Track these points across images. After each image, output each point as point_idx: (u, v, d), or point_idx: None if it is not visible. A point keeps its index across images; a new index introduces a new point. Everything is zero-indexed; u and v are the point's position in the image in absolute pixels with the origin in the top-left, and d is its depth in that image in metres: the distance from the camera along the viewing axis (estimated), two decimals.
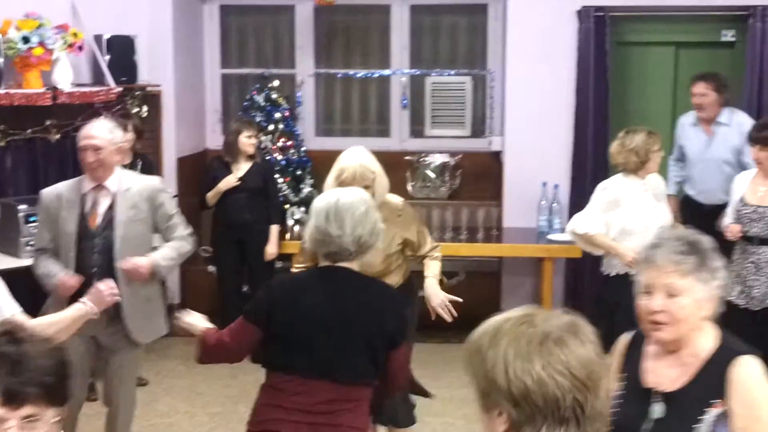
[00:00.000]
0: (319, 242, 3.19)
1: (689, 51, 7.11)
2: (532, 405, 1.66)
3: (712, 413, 2.38)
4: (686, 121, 6.41)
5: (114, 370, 4.45)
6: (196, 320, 3.42)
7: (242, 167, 6.51)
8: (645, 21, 7.06)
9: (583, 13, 6.85)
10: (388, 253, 4.30)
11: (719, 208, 5.87)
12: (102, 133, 4.21)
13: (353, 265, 3.20)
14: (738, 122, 6.17)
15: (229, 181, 6.45)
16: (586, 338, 1.73)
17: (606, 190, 5.07)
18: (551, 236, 6.71)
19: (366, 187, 4.12)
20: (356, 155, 4.30)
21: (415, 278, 4.59)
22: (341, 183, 4.12)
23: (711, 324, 2.50)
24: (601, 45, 6.85)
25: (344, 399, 3.12)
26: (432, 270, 4.44)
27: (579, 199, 6.88)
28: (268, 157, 7.19)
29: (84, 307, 3.38)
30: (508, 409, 1.67)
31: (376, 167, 4.30)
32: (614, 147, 5.11)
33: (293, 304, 3.15)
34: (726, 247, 5.16)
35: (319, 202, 3.24)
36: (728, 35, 7.01)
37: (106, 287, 3.45)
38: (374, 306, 3.17)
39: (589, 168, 6.91)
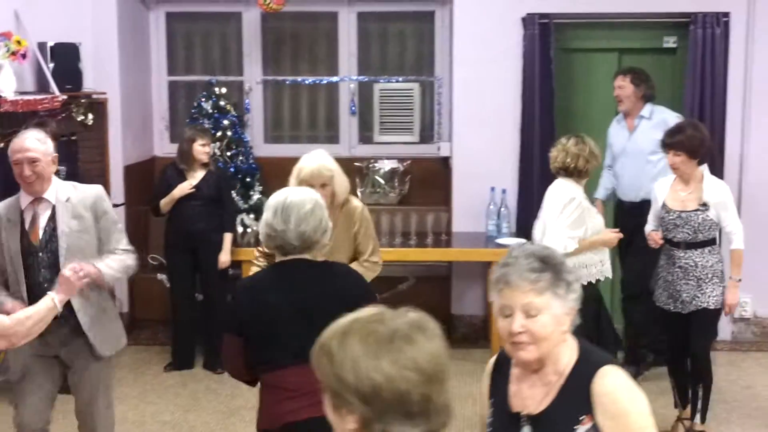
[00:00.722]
0: (267, 236, 3.36)
1: (632, 57, 7.22)
2: (382, 401, 1.70)
3: (581, 430, 2.35)
4: (614, 120, 6.61)
5: (83, 388, 4.27)
6: None
7: (197, 175, 6.48)
8: (589, 28, 7.16)
9: (528, 20, 6.93)
10: (347, 253, 4.50)
11: (640, 205, 6.02)
12: (35, 144, 4.02)
13: (311, 256, 3.36)
14: (661, 118, 6.26)
15: (184, 188, 6.42)
16: (433, 334, 1.79)
17: (575, 201, 5.02)
18: (500, 240, 6.78)
19: (324, 185, 4.36)
20: (315, 155, 4.52)
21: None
22: (300, 181, 4.32)
23: (570, 336, 2.47)
24: (546, 51, 6.94)
25: None
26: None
27: (526, 203, 6.98)
28: (221, 165, 7.17)
29: (52, 299, 3.44)
30: (357, 407, 1.71)
31: (333, 167, 4.48)
32: (575, 150, 5.06)
33: (261, 304, 3.29)
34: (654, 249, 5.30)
35: (271, 200, 3.42)
36: (670, 41, 7.15)
37: (71, 272, 3.44)
38: (337, 285, 3.33)
39: (536, 172, 6.99)
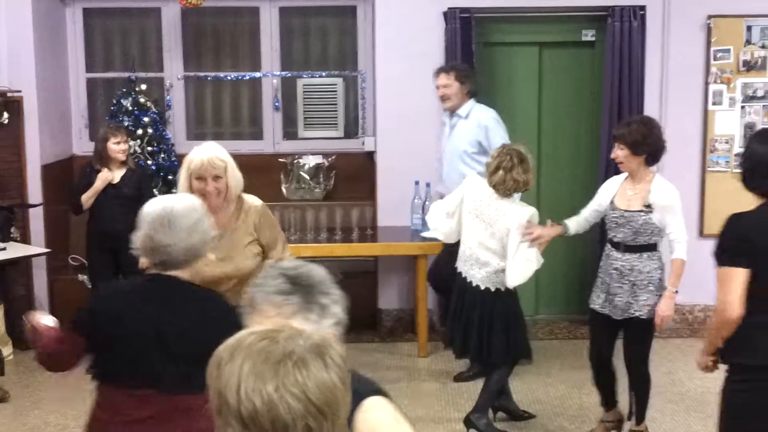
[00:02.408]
0: (148, 251, 3.06)
1: (552, 51, 7.33)
2: (260, 428, 1.53)
3: None
4: (444, 114, 6.41)
5: None
6: (45, 319, 3.24)
7: (116, 174, 6.35)
8: (509, 22, 7.23)
9: (449, 15, 6.97)
10: (244, 254, 4.14)
11: None
12: None
13: (184, 273, 3.08)
14: (477, 116, 6.14)
15: (106, 177, 6.27)
16: (332, 362, 1.59)
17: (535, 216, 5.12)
18: (425, 234, 6.79)
19: (217, 177, 4.01)
20: (206, 146, 4.16)
21: None
22: (191, 173, 4.02)
23: None
24: (468, 46, 6.99)
25: (178, 408, 2.97)
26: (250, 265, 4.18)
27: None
28: (142, 163, 7.06)
29: None
30: (236, 430, 1.56)
31: (227, 158, 4.11)
32: (521, 178, 5.03)
33: (119, 316, 3.02)
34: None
35: (149, 209, 3.10)
36: (589, 35, 7.25)
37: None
38: (201, 315, 3.03)
39: None
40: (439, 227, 5.36)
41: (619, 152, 4.86)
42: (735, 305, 3.46)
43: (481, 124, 6.11)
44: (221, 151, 4.13)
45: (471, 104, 6.20)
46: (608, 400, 5.18)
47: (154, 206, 3.11)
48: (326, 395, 1.55)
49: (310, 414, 1.53)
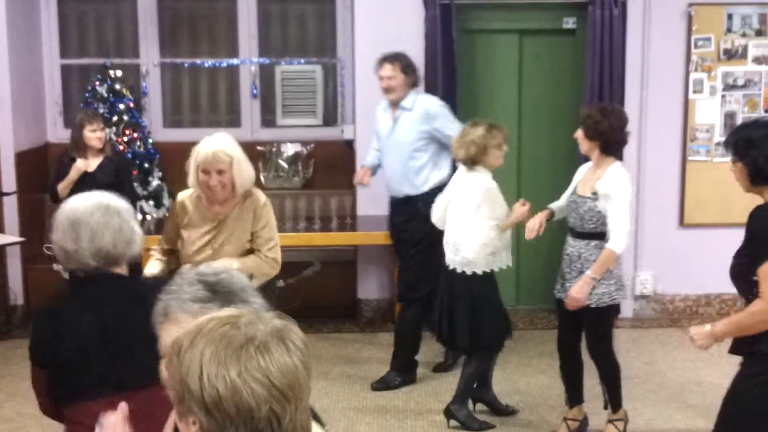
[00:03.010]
0: (61, 259, 2.91)
1: (533, 38, 7.28)
2: (224, 413, 1.53)
3: None
4: (381, 106, 6.10)
5: None
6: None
7: (92, 163, 6.24)
8: (489, 9, 7.18)
9: (429, 2, 6.90)
10: (241, 243, 4.21)
11: (405, 201, 5.93)
12: None
13: (119, 270, 2.92)
14: (422, 106, 5.89)
15: (80, 168, 6.17)
16: (294, 346, 1.59)
17: (492, 189, 5.12)
18: None
19: (221, 171, 4.04)
20: (215, 138, 4.16)
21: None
22: (197, 166, 4.05)
23: None
24: (448, 33, 6.92)
25: (149, 404, 2.75)
26: (245, 258, 4.19)
27: None
28: (121, 150, 6.96)
29: None
30: (200, 417, 1.55)
31: (234, 152, 4.11)
32: (455, 139, 5.16)
33: (62, 332, 2.86)
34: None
35: (57, 214, 2.93)
36: (569, 22, 7.21)
37: None
38: (146, 306, 2.80)
39: None
40: (433, 212, 5.38)
41: (578, 132, 4.88)
42: None
43: (430, 113, 5.88)
44: (229, 144, 4.12)
45: (414, 95, 5.93)
46: (572, 394, 5.14)
47: (61, 210, 2.93)
48: (289, 379, 1.56)
49: (274, 398, 1.54)
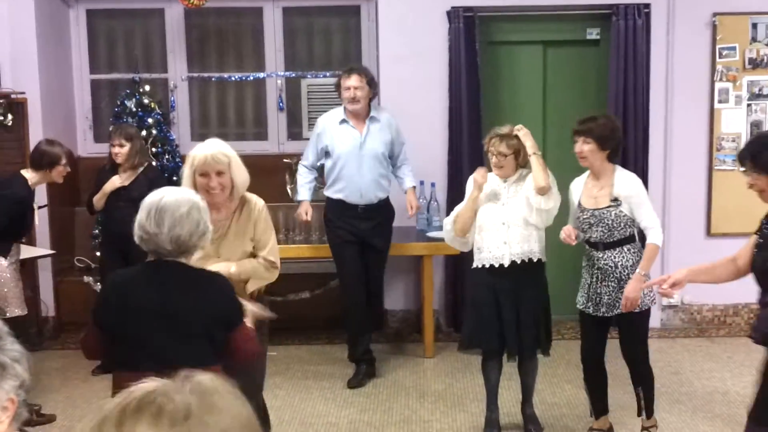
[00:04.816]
0: (141, 239, 3.26)
1: (556, 49, 7.31)
2: None
3: None
4: (333, 120, 6.20)
5: None
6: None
7: (126, 177, 6.32)
8: (513, 21, 7.21)
9: (453, 14, 6.95)
10: (244, 251, 4.18)
11: (377, 207, 6.14)
12: None
13: (186, 260, 3.26)
14: (387, 117, 6.24)
15: (114, 183, 6.27)
16: (230, 392, 1.37)
17: (469, 182, 5.19)
18: (430, 234, 6.79)
19: (220, 173, 4.00)
20: (209, 142, 4.14)
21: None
22: (195, 170, 4.01)
23: None
24: (471, 45, 6.97)
25: None
26: (243, 262, 4.17)
27: (456, 197, 6.97)
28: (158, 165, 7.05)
29: None
30: None
31: (231, 154, 4.09)
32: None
33: (123, 301, 3.23)
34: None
35: (146, 200, 3.29)
36: (593, 33, 7.23)
37: None
38: (202, 293, 3.22)
39: (465, 165, 7.01)
40: None
41: (585, 147, 4.84)
42: None
43: (392, 123, 6.24)
44: (225, 146, 4.11)
45: (375, 106, 6.27)
46: (597, 405, 5.14)
47: (150, 197, 3.28)
48: (250, 424, 1.37)
49: None
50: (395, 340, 7.14)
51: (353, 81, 6.02)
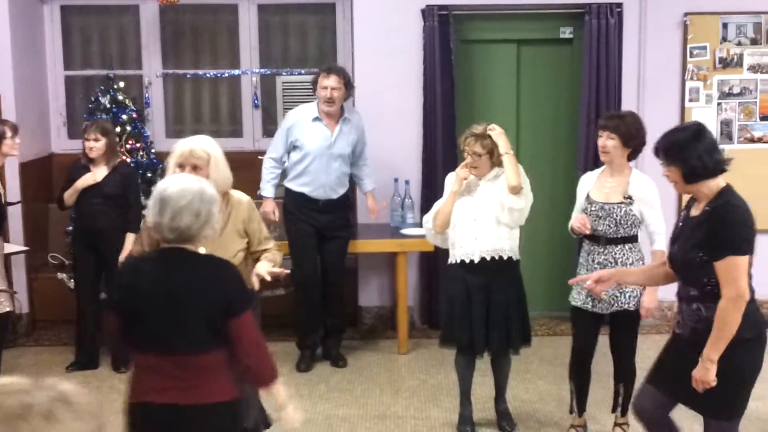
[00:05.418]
0: (150, 225, 3.40)
1: (530, 48, 7.36)
2: None
3: None
4: (305, 115, 6.28)
5: None
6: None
7: (98, 173, 6.29)
8: (487, 19, 7.26)
9: (427, 12, 6.99)
10: (236, 248, 4.22)
11: (336, 202, 6.30)
12: None
13: (193, 247, 3.32)
14: (357, 118, 6.43)
15: (87, 180, 6.25)
16: (83, 410, 1.41)
17: (446, 183, 5.24)
18: (404, 231, 6.83)
19: (196, 167, 4.01)
20: (194, 138, 4.21)
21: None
22: (176, 163, 4.07)
23: None
24: (446, 43, 7.01)
25: (194, 367, 3.25)
26: (273, 256, 4.32)
27: (430, 194, 7.04)
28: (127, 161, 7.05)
29: None
30: None
31: (213, 151, 4.12)
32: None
33: (131, 285, 3.32)
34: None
35: (156, 187, 3.41)
36: (566, 32, 7.29)
37: None
38: (206, 279, 3.28)
39: (439, 162, 7.07)
40: None
41: (609, 142, 4.89)
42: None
43: (360, 127, 6.39)
44: (209, 143, 4.15)
45: (347, 107, 6.41)
46: (582, 403, 5.18)
47: (158, 185, 3.38)
48: None
49: None
50: (369, 337, 7.17)
51: (332, 81, 6.08)
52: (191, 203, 3.25)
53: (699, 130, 3.79)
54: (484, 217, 5.05)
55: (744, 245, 3.66)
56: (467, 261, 5.07)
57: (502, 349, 5.18)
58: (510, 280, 5.14)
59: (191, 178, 3.41)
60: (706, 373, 3.69)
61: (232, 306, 3.26)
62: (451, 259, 5.17)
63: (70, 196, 6.30)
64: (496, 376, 5.32)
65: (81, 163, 6.37)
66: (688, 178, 3.74)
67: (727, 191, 3.76)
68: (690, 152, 3.70)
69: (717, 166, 3.74)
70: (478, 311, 5.07)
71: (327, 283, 6.45)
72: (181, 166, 4.05)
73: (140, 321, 3.27)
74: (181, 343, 3.24)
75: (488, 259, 5.06)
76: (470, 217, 5.07)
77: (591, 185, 5.02)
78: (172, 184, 3.32)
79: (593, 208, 4.91)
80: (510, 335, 5.14)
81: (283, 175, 6.45)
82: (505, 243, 5.06)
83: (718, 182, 3.77)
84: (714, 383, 3.69)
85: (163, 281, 3.27)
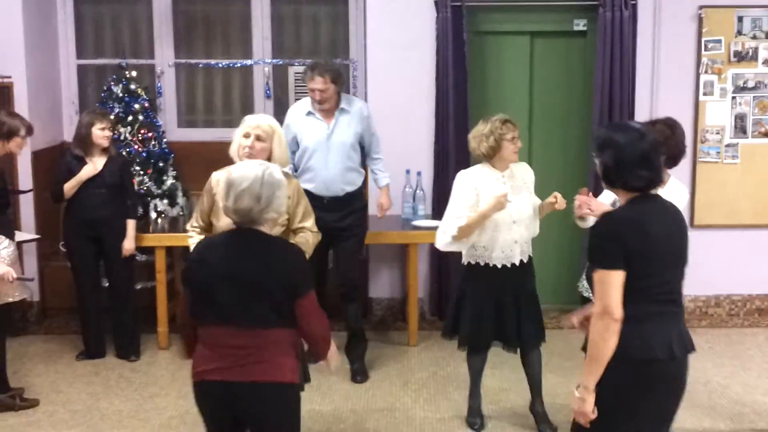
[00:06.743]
0: (223, 209, 3.57)
1: (543, 40, 7.33)
2: None
3: None
4: (299, 110, 6.14)
5: None
6: None
7: (97, 162, 6.30)
8: (500, 11, 7.22)
9: (441, 4, 6.96)
10: (280, 224, 4.28)
11: (343, 199, 6.02)
12: None
13: (264, 229, 3.48)
14: (358, 108, 6.10)
15: (90, 170, 6.24)
16: None
17: (461, 185, 5.05)
18: (416, 222, 6.82)
19: (259, 138, 4.32)
20: (261, 114, 4.64)
21: None
22: (243, 132, 4.35)
23: None
24: (459, 35, 6.98)
25: (257, 342, 3.40)
26: (304, 239, 4.46)
27: (442, 186, 7.03)
28: (128, 150, 7.07)
29: None
30: None
31: (278, 129, 4.43)
32: (471, 133, 5.14)
33: (202, 261, 3.50)
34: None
35: (227, 173, 3.56)
36: (580, 24, 7.25)
37: None
38: (272, 259, 3.42)
39: (451, 154, 7.05)
40: None
41: None
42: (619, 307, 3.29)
43: (364, 115, 6.12)
44: (275, 122, 4.48)
45: (345, 97, 6.13)
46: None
47: (231, 171, 3.54)
48: None
49: None
50: (379, 328, 7.16)
51: (317, 84, 5.88)
52: (251, 187, 3.41)
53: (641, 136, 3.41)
54: (521, 219, 5.03)
55: (610, 260, 3.26)
56: (509, 265, 5.04)
57: (535, 344, 5.17)
58: (533, 276, 5.19)
59: (255, 164, 3.56)
60: (581, 403, 3.33)
61: (297, 289, 3.42)
62: (479, 261, 5.06)
63: (72, 188, 6.24)
64: (531, 372, 5.26)
65: (74, 154, 6.31)
66: (603, 178, 3.46)
67: (636, 200, 3.41)
68: (612, 155, 3.36)
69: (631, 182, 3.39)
70: (511, 309, 5.05)
71: (341, 284, 6.22)
72: (247, 135, 4.34)
73: (206, 295, 3.44)
74: (246, 318, 3.40)
75: (525, 261, 5.10)
76: (509, 219, 4.99)
77: None
78: (237, 168, 3.52)
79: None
80: (540, 329, 5.16)
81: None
82: (530, 242, 5.14)
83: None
84: (592, 416, 3.32)
85: (230, 260, 3.42)
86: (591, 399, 3.31)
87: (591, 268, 3.41)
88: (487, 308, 5.07)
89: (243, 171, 3.47)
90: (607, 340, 3.26)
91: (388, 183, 6.43)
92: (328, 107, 6.00)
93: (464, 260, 5.18)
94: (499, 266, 5.04)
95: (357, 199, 6.19)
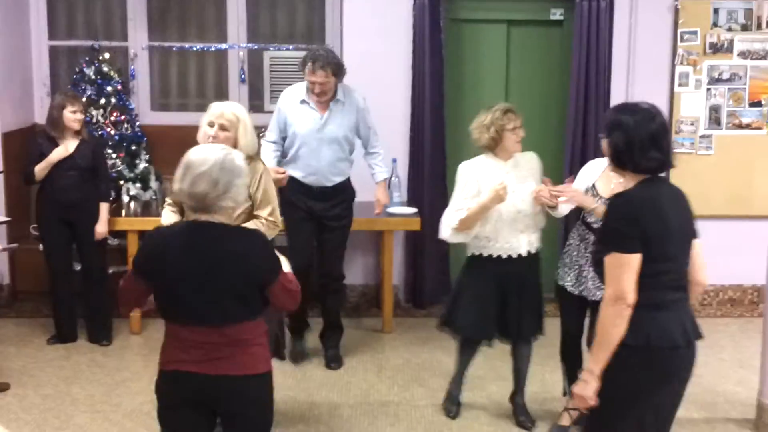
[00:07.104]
0: (176, 192, 3.38)
1: (520, 29, 7.32)
2: None
3: None
4: (293, 97, 5.96)
5: None
6: None
7: (69, 145, 6.23)
8: None
9: None
10: (246, 210, 4.30)
11: (333, 189, 5.96)
12: None
13: (219, 218, 3.28)
14: (353, 99, 5.95)
15: (60, 153, 6.16)
16: None
17: (463, 176, 4.97)
18: (391, 209, 6.79)
19: (223, 127, 4.33)
20: (227, 102, 4.57)
21: None
22: (207, 121, 4.39)
23: None
24: (436, 21, 6.96)
25: (227, 340, 3.28)
26: (248, 223, 4.34)
27: (417, 172, 7.03)
28: (100, 133, 6.99)
29: None
30: None
31: (243, 117, 4.41)
32: (472, 123, 5.01)
33: (161, 257, 3.28)
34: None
35: (186, 154, 3.40)
36: (557, 14, 7.25)
37: None
38: (236, 251, 3.25)
39: (427, 142, 7.04)
40: None
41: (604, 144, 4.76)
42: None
43: (360, 106, 5.97)
44: (240, 109, 4.45)
45: (342, 87, 5.95)
46: (572, 385, 5.14)
47: (188, 152, 3.37)
48: None
49: None
50: (354, 315, 7.15)
51: (318, 78, 5.73)
52: (210, 171, 3.22)
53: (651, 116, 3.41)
54: (525, 209, 4.93)
55: (626, 242, 3.22)
56: (514, 256, 4.98)
57: (529, 337, 5.13)
58: (538, 269, 5.13)
59: (217, 147, 3.38)
60: (583, 387, 3.30)
61: (266, 282, 3.29)
62: (482, 252, 4.99)
63: (42, 170, 6.17)
64: (518, 365, 5.22)
65: (46, 135, 6.24)
66: (612, 160, 3.44)
67: (646, 182, 3.38)
68: (622, 135, 3.36)
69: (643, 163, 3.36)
70: (513, 301, 5.01)
71: (323, 273, 6.16)
72: (211, 125, 4.36)
73: (171, 293, 3.27)
74: (214, 317, 3.26)
75: (532, 252, 5.04)
76: (513, 209, 4.90)
77: (597, 176, 4.86)
78: (197, 151, 3.32)
79: (598, 201, 4.77)
80: (538, 322, 5.12)
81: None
82: (538, 234, 5.07)
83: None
84: (592, 401, 3.30)
85: (191, 255, 3.24)
86: (594, 384, 3.28)
87: (598, 252, 3.35)
88: (490, 300, 5.00)
89: (203, 154, 3.28)
90: (618, 326, 3.22)
91: (386, 178, 6.34)
92: (327, 99, 5.86)
93: (468, 252, 5.09)
94: (504, 257, 4.98)
95: (346, 189, 6.07)
